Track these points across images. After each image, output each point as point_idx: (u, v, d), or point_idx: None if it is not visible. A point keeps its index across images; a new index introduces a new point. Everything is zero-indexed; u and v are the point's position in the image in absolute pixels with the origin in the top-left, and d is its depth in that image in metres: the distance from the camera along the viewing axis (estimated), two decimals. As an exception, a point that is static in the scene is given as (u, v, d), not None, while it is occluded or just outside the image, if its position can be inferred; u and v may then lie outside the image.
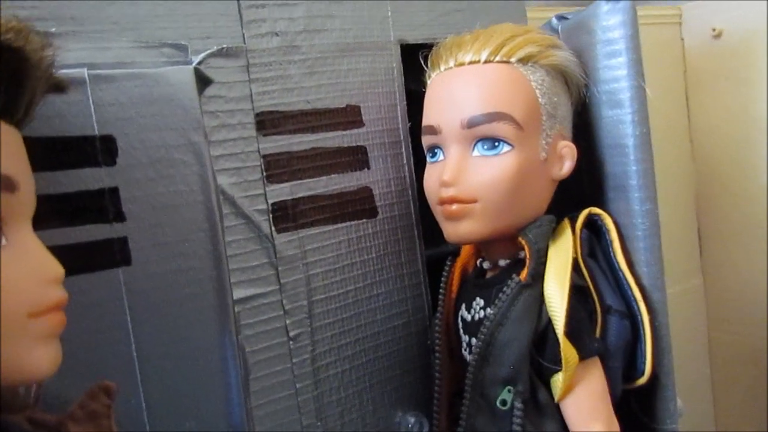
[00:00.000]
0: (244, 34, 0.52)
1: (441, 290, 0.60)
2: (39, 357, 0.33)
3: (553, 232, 0.54)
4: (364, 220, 0.59)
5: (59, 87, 0.38)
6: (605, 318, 0.54)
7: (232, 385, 0.51)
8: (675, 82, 1.01)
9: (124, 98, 0.46)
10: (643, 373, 0.55)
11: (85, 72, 0.44)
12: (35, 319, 0.33)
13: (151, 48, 0.48)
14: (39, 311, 0.33)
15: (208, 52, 0.50)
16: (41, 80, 0.35)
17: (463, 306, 0.58)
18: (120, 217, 0.46)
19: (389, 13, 0.61)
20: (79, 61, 0.44)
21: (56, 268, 0.34)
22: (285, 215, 0.54)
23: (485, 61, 0.53)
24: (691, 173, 1.03)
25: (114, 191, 0.46)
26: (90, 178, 0.44)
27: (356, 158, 0.58)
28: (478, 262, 0.59)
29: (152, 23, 0.48)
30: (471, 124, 0.52)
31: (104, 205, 0.45)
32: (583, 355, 0.50)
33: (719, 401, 1.07)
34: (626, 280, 0.55)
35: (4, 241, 0.32)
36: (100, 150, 0.45)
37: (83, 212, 0.44)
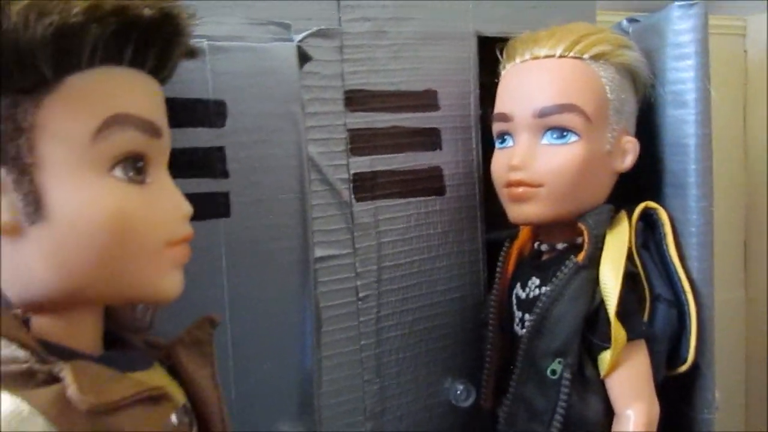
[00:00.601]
0: (340, 18, 0.57)
1: (498, 269, 0.64)
2: (170, 281, 0.38)
3: (611, 221, 0.58)
4: (433, 197, 0.63)
5: (193, 53, 0.43)
6: (654, 305, 0.57)
7: (307, 335, 0.56)
8: (735, 93, 1.02)
9: (236, 68, 0.51)
10: (685, 361, 0.58)
11: (205, 43, 0.49)
12: (170, 248, 0.38)
13: (260, 25, 0.53)
14: (174, 241, 0.38)
15: (308, 32, 0.55)
16: (183, 46, 0.40)
17: (518, 285, 0.62)
18: (224, 173, 0.52)
19: (470, 7, 0.65)
20: (199, 34, 0.49)
21: (187, 206, 0.39)
22: (364, 186, 0.59)
23: (560, 56, 0.57)
24: (742, 185, 1.03)
25: (221, 150, 0.51)
26: (202, 137, 0.50)
27: (430, 139, 0.63)
28: (535, 245, 0.63)
29: (262, 3, 0.53)
30: (543, 114, 0.56)
31: (212, 161, 0.51)
32: (631, 336, 0.54)
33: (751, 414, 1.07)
34: (676, 272, 0.58)
35: (149, 179, 0.37)
36: (212, 113, 0.50)
37: (194, 166, 0.50)
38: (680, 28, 0.58)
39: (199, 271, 0.50)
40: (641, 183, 0.64)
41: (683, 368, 0.58)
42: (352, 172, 0.58)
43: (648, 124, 0.62)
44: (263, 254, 0.53)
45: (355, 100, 0.58)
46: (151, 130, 0.37)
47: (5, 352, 0.33)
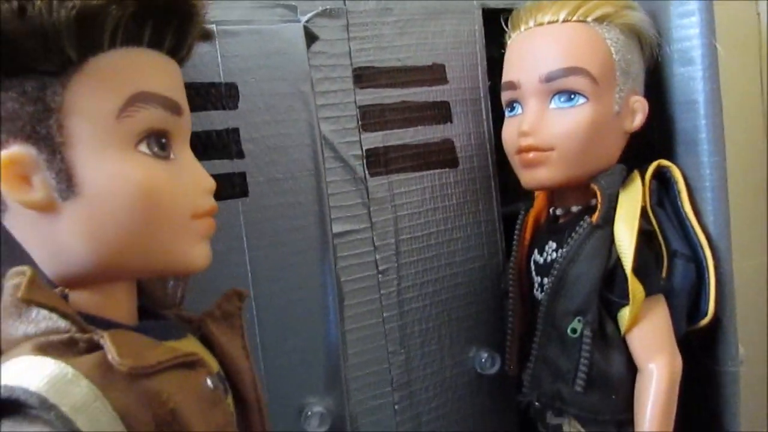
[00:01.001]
0: (344, -3, 0.59)
1: (515, 238, 0.65)
2: (198, 252, 0.40)
3: (624, 181, 0.59)
4: (446, 169, 0.64)
5: (208, 35, 0.44)
6: (671, 261, 0.58)
7: (330, 309, 0.58)
8: (750, 58, 1.01)
9: (246, 51, 0.52)
10: (706, 314, 0.58)
11: (214, 27, 0.51)
12: (196, 221, 0.39)
13: (267, 8, 0.54)
14: (200, 213, 0.39)
15: (314, 12, 0.57)
16: (199, 26, 0.42)
17: (536, 251, 0.63)
18: (240, 154, 0.53)
19: (473, -21, 0.66)
20: (208, 19, 0.51)
21: (211, 181, 0.41)
22: (377, 161, 0.60)
23: (563, 21, 0.57)
24: (763, 151, 1.02)
25: (235, 131, 0.53)
26: (216, 120, 0.52)
27: (440, 112, 0.64)
28: (550, 211, 0.64)
29: (267, -13, 0.55)
30: (549, 78, 0.56)
31: (227, 143, 0.52)
32: (649, 291, 0.54)
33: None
34: (692, 227, 0.59)
35: (172, 156, 0.39)
36: (225, 95, 0.52)
37: (210, 148, 0.51)
38: (683, -15, 0.59)
39: (221, 250, 0.52)
40: (653, 142, 0.64)
41: (704, 322, 0.59)
42: (364, 148, 0.59)
43: (657, 83, 0.63)
44: (282, 232, 0.55)
45: (364, 77, 0.59)
46: (172, 107, 0.38)
47: (47, 323, 0.35)
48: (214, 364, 0.43)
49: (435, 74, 0.63)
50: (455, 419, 0.65)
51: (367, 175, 0.60)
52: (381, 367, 0.61)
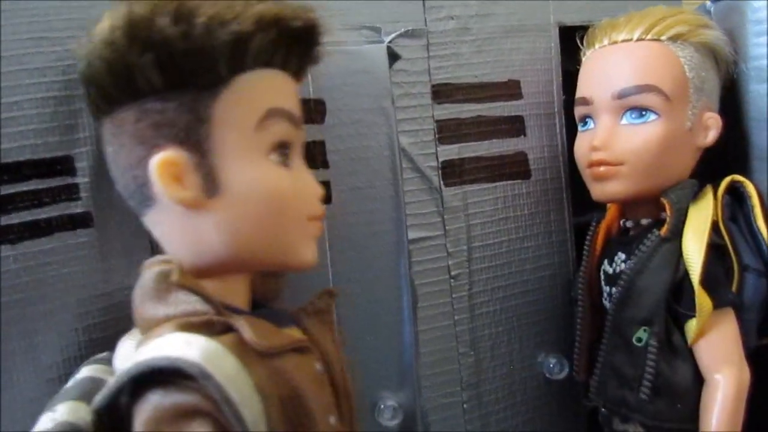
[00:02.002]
0: (425, 18, 0.62)
1: (586, 247, 0.66)
2: (309, 250, 0.45)
3: (695, 196, 0.60)
4: (519, 180, 0.67)
5: (318, 60, 0.49)
6: (742, 275, 0.58)
7: (404, 310, 0.61)
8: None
9: (333, 70, 0.57)
10: (778, 329, 0.59)
11: (306, 49, 0.56)
12: (310, 222, 0.44)
13: (354, 30, 0.59)
14: (313, 216, 0.45)
15: (397, 33, 0.61)
16: (318, 52, 0.47)
17: (606, 261, 0.64)
18: (325, 164, 0.58)
19: (550, -1, 0.68)
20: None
21: (320, 188, 0.46)
22: (452, 172, 0.64)
23: (637, 40, 0.59)
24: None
25: (322, 144, 0.58)
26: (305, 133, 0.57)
27: (514, 126, 0.67)
28: (621, 223, 0.65)
29: (354, 10, 0.59)
30: (622, 95, 0.58)
31: (314, 154, 0.57)
32: (717, 304, 0.55)
33: None
34: (765, 242, 0.59)
35: (292, 164, 0.44)
36: (313, 110, 0.57)
37: (300, 159, 0.56)
38: (759, 4, 0.59)
39: (307, 251, 0.56)
40: (728, 158, 0.65)
41: (777, 337, 0.59)
42: (440, 159, 0.63)
43: (732, 100, 0.63)
44: (362, 237, 0.59)
45: (442, 93, 0.63)
46: (296, 122, 0.44)
47: (186, 306, 0.40)
48: (317, 352, 0.47)
49: (510, 90, 0.66)
50: (522, 420, 0.68)
51: (442, 185, 0.63)
52: (451, 367, 0.65)
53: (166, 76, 0.40)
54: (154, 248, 0.53)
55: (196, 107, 0.40)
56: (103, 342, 0.51)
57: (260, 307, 0.48)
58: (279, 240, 0.43)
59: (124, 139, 0.42)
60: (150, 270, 0.42)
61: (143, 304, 0.41)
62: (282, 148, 0.43)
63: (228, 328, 0.40)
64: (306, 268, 0.45)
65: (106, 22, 0.40)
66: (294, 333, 0.45)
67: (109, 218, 0.52)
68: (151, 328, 0.40)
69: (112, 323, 0.52)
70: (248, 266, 0.45)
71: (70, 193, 0.50)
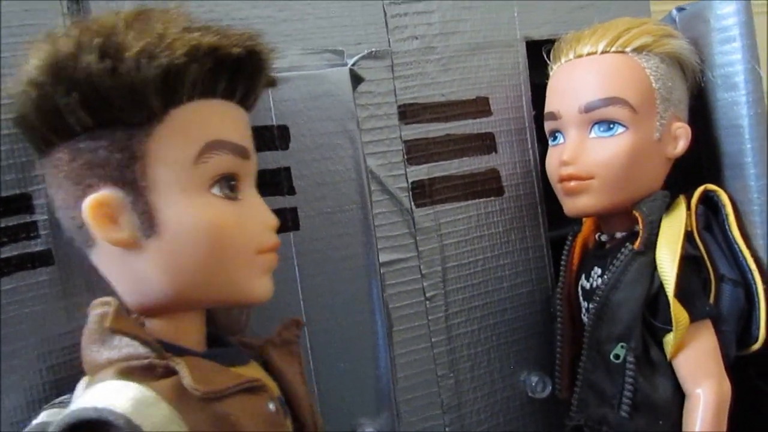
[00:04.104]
0: (389, 39, 0.62)
1: (562, 262, 0.66)
2: (261, 285, 0.43)
3: (668, 207, 0.59)
4: (492, 198, 0.66)
5: (273, 83, 0.49)
6: (719, 286, 0.58)
7: (379, 335, 0.60)
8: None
9: (296, 95, 0.57)
10: (757, 339, 0.58)
11: (266, 75, 0.55)
12: (260, 256, 0.43)
13: (316, 54, 0.58)
14: (264, 249, 0.43)
15: (360, 55, 0.60)
16: (266, 78, 0.46)
17: (583, 276, 0.64)
18: (291, 190, 0.57)
19: (515, 14, 0.68)
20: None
21: (274, 219, 0.45)
22: (423, 192, 0.63)
23: (602, 52, 0.59)
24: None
25: (287, 170, 0.57)
26: (269, 159, 0.56)
27: (485, 143, 0.66)
28: (597, 236, 0.65)
29: (316, 34, 0.59)
30: (588, 109, 0.58)
31: (280, 180, 0.56)
32: (694, 317, 0.55)
33: None
34: (741, 251, 0.58)
35: (240, 196, 0.43)
36: (277, 137, 0.56)
37: (264, 186, 0.55)
38: (723, 12, 0.59)
39: (275, 280, 0.55)
40: (701, 167, 0.64)
41: (755, 347, 0.58)
42: (410, 180, 0.62)
43: (701, 109, 0.63)
44: (332, 262, 0.58)
45: (409, 113, 0.62)
46: (242, 153, 0.43)
47: (129, 349, 0.39)
48: (274, 388, 0.46)
49: (479, 107, 0.66)
50: (506, 442, 0.67)
51: (413, 206, 0.62)
52: (430, 390, 0.63)
53: (95, 114, 0.39)
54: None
55: (129, 145, 0.39)
56: (69, 381, 0.49)
57: (220, 340, 0.47)
58: (224, 277, 0.42)
59: (61, 179, 0.41)
60: (93, 312, 0.41)
61: (88, 347, 0.40)
62: (227, 181, 0.42)
63: (170, 371, 0.38)
64: (258, 303, 0.44)
65: (32, 61, 0.39)
66: (247, 371, 0.44)
67: (71, 255, 0.51)
68: (95, 371, 0.39)
69: (77, 362, 0.50)
70: (195, 304, 0.44)
71: (29, 231, 0.49)
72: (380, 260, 0.61)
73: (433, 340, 0.63)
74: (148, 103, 0.39)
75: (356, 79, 0.59)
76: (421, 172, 0.63)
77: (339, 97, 0.58)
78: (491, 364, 0.66)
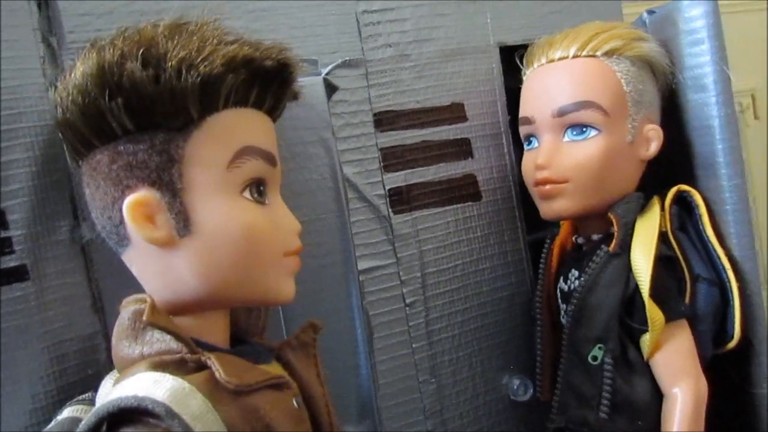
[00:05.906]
0: (363, 48, 0.62)
1: (541, 265, 0.66)
2: (287, 286, 0.45)
3: (642, 208, 0.60)
4: (470, 203, 0.67)
5: (296, 96, 0.50)
6: (694, 285, 0.58)
7: (360, 342, 0.61)
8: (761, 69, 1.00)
9: (270, 105, 0.57)
10: (732, 337, 0.59)
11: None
12: (286, 258, 0.45)
13: (289, 63, 0.59)
14: (289, 252, 0.45)
15: (334, 64, 0.61)
16: (293, 89, 0.48)
17: (562, 278, 0.64)
18: (268, 200, 0.57)
19: (488, 20, 0.68)
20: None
21: (297, 224, 0.46)
22: (400, 199, 0.63)
23: (573, 56, 0.60)
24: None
25: (263, 180, 0.57)
26: (245, 170, 0.56)
27: (461, 149, 0.66)
28: (574, 239, 0.65)
29: (290, 44, 0.59)
30: (561, 113, 0.58)
31: (256, 191, 0.56)
32: (670, 317, 0.55)
33: None
34: (715, 251, 0.59)
35: (268, 201, 0.44)
36: (252, 147, 0.56)
37: (241, 197, 0.56)
38: (692, 15, 0.60)
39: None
40: (674, 168, 0.65)
41: (731, 345, 0.59)
42: (387, 187, 0.63)
43: (674, 110, 0.64)
44: (311, 271, 0.58)
45: (384, 120, 0.63)
46: (270, 159, 0.45)
47: (161, 344, 0.40)
48: (295, 387, 0.47)
49: (454, 113, 0.66)
50: (489, 446, 0.67)
51: (391, 213, 0.63)
52: (412, 396, 0.64)
53: (137, 118, 0.41)
54: (96, 296, 0.53)
55: (167, 148, 0.41)
56: (54, 395, 0.50)
57: (242, 341, 0.48)
58: (254, 277, 0.43)
59: (100, 180, 0.42)
60: (126, 309, 0.42)
61: (120, 343, 0.42)
62: (256, 185, 0.43)
63: (201, 366, 0.40)
64: (284, 304, 0.46)
65: (79, 69, 0.41)
66: (272, 369, 0.45)
67: (47, 269, 0.51)
68: (126, 366, 0.41)
69: (57, 375, 0.51)
70: (224, 303, 0.45)
71: (3, 246, 0.49)
72: (359, 268, 0.61)
73: (414, 346, 0.64)
74: (187, 110, 0.41)
75: (331, 88, 0.60)
76: (398, 178, 0.63)
77: (314, 107, 0.59)
78: (473, 369, 0.67)
